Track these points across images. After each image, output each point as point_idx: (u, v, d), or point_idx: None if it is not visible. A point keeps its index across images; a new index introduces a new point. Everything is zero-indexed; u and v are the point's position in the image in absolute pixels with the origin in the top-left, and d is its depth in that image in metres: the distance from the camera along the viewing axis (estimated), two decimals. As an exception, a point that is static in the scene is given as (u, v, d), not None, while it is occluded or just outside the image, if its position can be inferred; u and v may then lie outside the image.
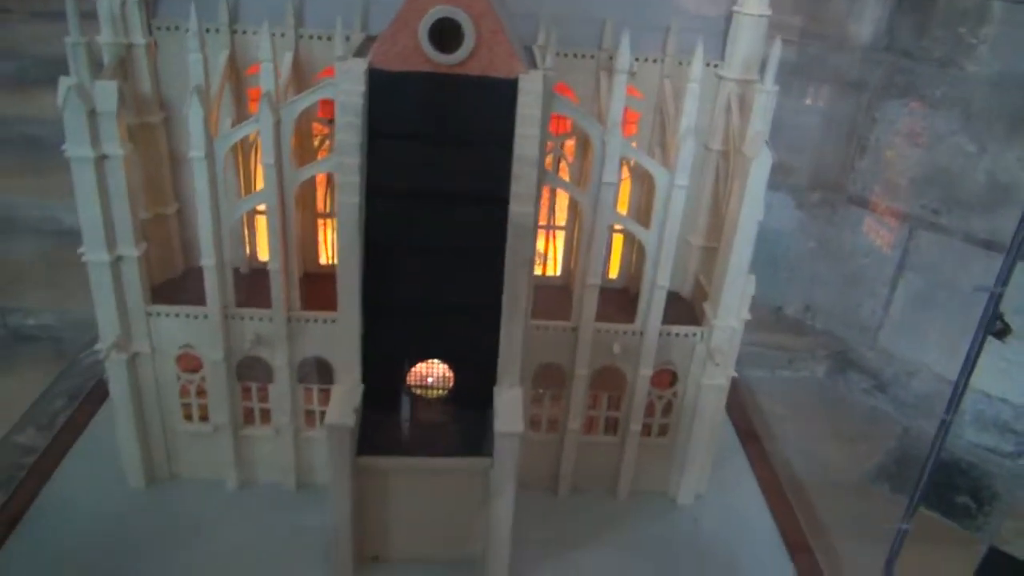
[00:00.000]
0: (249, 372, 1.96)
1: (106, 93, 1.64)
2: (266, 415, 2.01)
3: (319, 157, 1.96)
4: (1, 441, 2.27)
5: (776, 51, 1.72)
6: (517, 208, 1.60)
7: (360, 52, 1.67)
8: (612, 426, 2.08)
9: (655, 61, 1.92)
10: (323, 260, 2.12)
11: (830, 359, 3.81)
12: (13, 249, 4.18)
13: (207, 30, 1.79)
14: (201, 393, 1.98)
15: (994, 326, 2.88)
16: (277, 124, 1.68)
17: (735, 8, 1.85)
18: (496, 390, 1.76)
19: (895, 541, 1.68)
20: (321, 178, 2.00)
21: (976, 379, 3.13)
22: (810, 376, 3.88)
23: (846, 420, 3.61)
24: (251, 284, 1.96)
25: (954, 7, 3.11)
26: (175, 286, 2.00)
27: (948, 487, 3.22)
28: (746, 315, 1.92)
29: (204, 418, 2.01)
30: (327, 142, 1.98)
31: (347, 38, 1.84)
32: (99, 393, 2.34)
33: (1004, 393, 3.14)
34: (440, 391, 1.81)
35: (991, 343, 2.87)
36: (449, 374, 1.80)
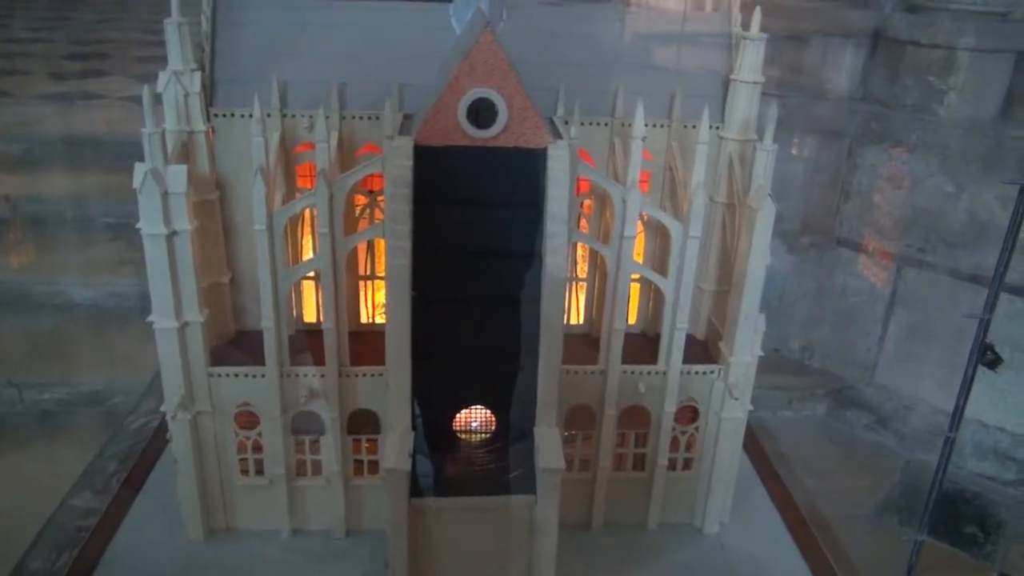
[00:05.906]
0: (302, 426, 2.10)
1: (177, 176, 1.82)
2: (317, 466, 2.15)
3: (360, 225, 2.14)
4: (59, 507, 2.39)
5: (773, 113, 1.93)
6: (552, 260, 1.78)
7: (401, 130, 1.86)
8: (640, 462, 2.23)
9: (662, 126, 2.13)
10: (363, 319, 2.28)
11: (830, 397, 3.94)
12: (26, 324, 4.28)
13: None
14: (257, 448, 2.11)
15: (985, 355, 3.02)
16: (331, 197, 1.86)
17: (732, 76, 2.07)
18: (536, 431, 1.91)
19: (912, 553, 1.83)
20: (362, 245, 2.18)
21: (971, 409, 3.25)
22: (811, 415, 4.00)
23: (850, 456, 3.72)
24: (295, 344, 2.11)
25: (922, 57, 3.34)
26: (228, 349, 2.15)
27: (955, 517, 3.31)
28: (759, 351, 2.09)
29: (260, 472, 2.14)
30: (366, 211, 2.16)
31: (376, 117, 2.04)
32: (150, 454, 2.47)
33: (1000, 422, 3.27)
34: (483, 434, 1.96)
35: (984, 373, 3.00)
36: (491, 418, 1.95)
